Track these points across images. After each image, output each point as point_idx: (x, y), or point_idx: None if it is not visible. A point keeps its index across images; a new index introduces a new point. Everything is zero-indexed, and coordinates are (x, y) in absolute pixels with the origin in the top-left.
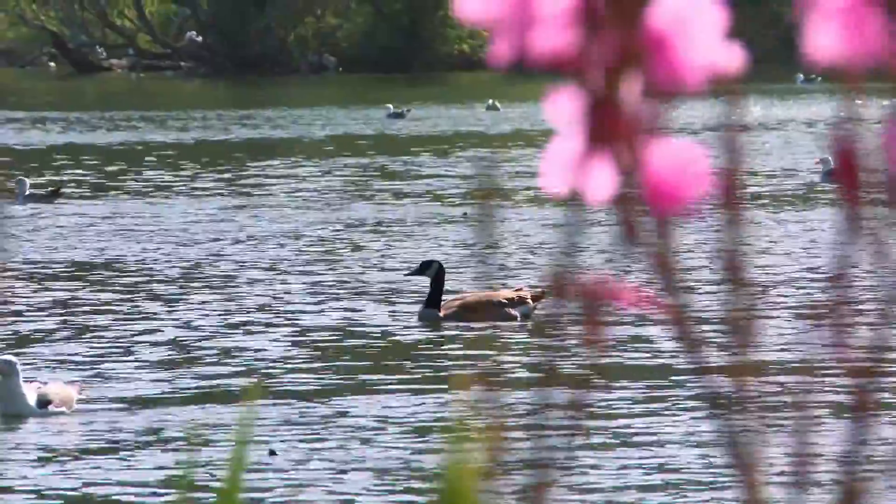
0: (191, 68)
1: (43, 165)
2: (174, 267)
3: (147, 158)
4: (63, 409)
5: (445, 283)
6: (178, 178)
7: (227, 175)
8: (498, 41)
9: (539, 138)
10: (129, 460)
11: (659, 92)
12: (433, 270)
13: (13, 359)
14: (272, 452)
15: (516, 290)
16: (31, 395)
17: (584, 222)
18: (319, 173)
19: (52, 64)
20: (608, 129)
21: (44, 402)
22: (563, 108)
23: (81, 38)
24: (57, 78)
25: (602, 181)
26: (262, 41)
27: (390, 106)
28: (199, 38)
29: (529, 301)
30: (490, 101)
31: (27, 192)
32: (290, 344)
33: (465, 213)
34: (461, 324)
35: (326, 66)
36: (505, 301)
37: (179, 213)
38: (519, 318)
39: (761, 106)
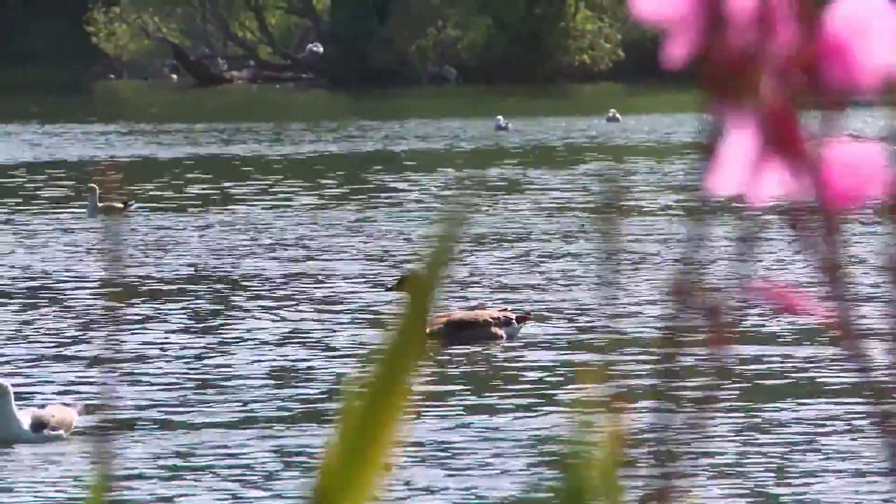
0: (311, 80)
1: (160, 178)
2: (279, 279)
3: (265, 170)
4: (60, 432)
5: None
6: (296, 190)
7: (345, 187)
8: (673, 42)
9: (660, 150)
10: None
11: (833, 96)
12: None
13: (5, 382)
14: None
15: (501, 310)
16: (25, 418)
17: (710, 233)
18: (432, 185)
19: (174, 76)
20: (781, 132)
21: (39, 426)
22: (733, 111)
23: (203, 49)
24: (178, 90)
25: (772, 184)
26: (383, 53)
27: (500, 118)
28: (320, 50)
29: (514, 322)
30: (611, 113)
31: (101, 205)
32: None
33: (583, 226)
34: (445, 342)
35: (447, 77)
36: (491, 320)
37: (294, 225)
38: (504, 338)
39: None
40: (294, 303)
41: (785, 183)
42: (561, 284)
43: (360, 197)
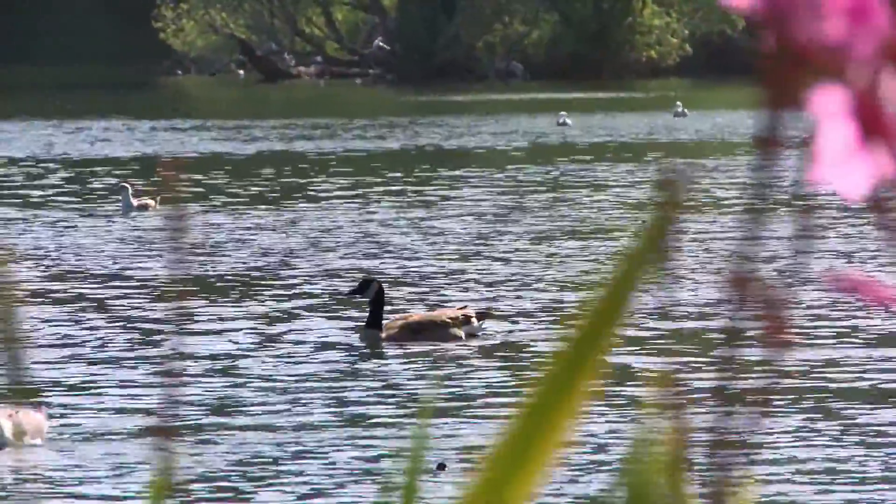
0: (378, 75)
1: (225, 174)
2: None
3: (330, 166)
4: (37, 440)
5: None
6: (361, 187)
7: (409, 184)
8: (764, 32)
9: (728, 146)
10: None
11: None
12: (372, 290)
13: None
14: (441, 466)
15: (460, 309)
16: (6, 425)
17: (818, 228)
18: (496, 182)
19: (241, 72)
20: (876, 123)
21: (19, 434)
22: (829, 103)
23: (270, 45)
24: (245, 86)
25: (868, 176)
26: (450, 48)
27: (562, 114)
28: (387, 46)
29: (474, 320)
30: (678, 108)
31: (135, 202)
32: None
33: (644, 222)
34: (404, 344)
35: (514, 72)
36: (449, 321)
37: (361, 222)
38: (464, 338)
39: None
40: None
41: (879, 173)
42: None
43: (423, 194)
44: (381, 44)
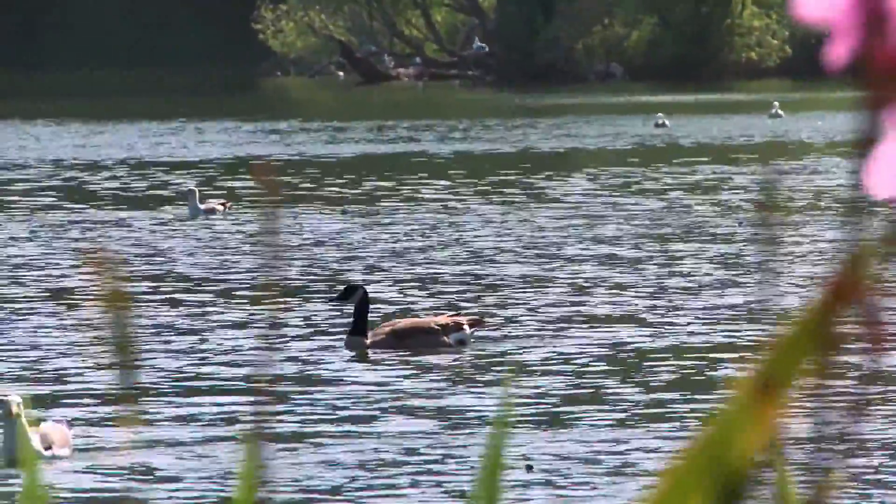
0: (477, 77)
1: (322, 176)
2: (447, 279)
3: (429, 168)
4: (65, 450)
5: (381, 301)
6: (458, 189)
7: (505, 185)
8: (836, 43)
9: (822, 148)
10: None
11: None
12: (357, 296)
13: (18, 399)
14: (529, 468)
15: (451, 316)
16: (35, 437)
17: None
18: (593, 183)
19: (341, 73)
20: None
21: (47, 446)
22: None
23: (369, 47)
24: (345, 87)
25: None
26: (549, 50)
27: (659, 115)
28: (486, 47)
29: (466, 328)
30: (773, 110)
31: (203, 206)
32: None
33: (740, 223)
34: (390, 352)
35: (614, 74)
36: (437, 328)
37: (456, 223)
38: (453, 346)
39: None
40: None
41: None
42: (716, 286)
43: (519, 195)
44: (480, 45)
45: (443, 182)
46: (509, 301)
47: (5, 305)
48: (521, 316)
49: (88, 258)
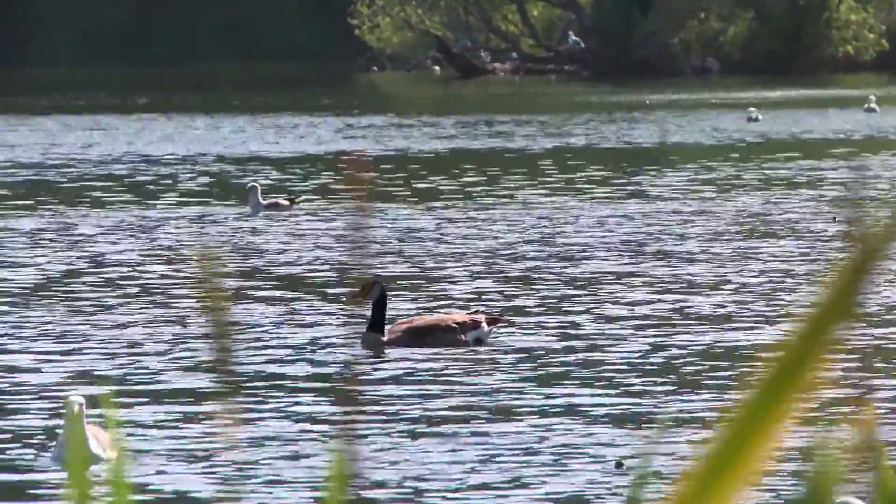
0: (573, 72)
1: (417, 170)
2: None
3: (526, 163)
4: (112, 454)
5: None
6: (555, 183)
7: (601, 180)
8: None
9: None
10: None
11: None
12: (375, 293)
13: (82, 400)
14: (619, 465)
15: (469, 314)
16: (93, 439)
17: None
18: (685, 179)
19: (437, 68)
20: None
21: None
22: None
23: (465, 42)
24: (441, 82)
25: None
26: (646, 45)
27: (752, 110)
28: (582, 42)
29: (484, 325)
30: (869, 105)
31: (265, 202)
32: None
33: (835, 218)
34: (407, 349)
35: (710, 69)
36: (455, 325)
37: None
38: (471, 344)
39: None
40: (580, 308)
41: None
42: (808, 282)
43: (615, 191)
44: (575, 40)
45: (537, 178)
46: (604, 298)
47: (92, 302)
48: (617, 313)
49: (189, 255)
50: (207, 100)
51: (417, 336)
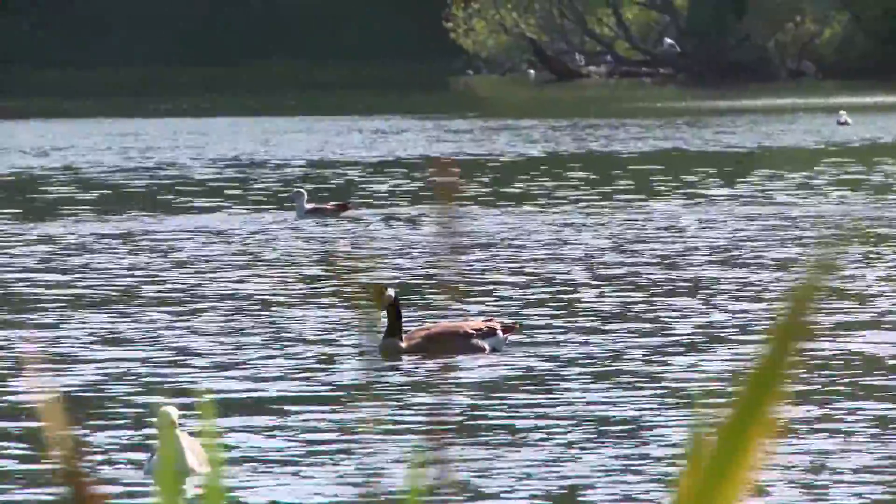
0: (668, 75)
1: (510, 173)
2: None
3: (616, 165)
4: (204, 467)
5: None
6: (655, 187)
7: (695, 184)
8: None
9: None
10: None
11: None
12: (388, 299)
13: (175, 410)
14: None
15: (485, 321)
16: (189, 451)
17: None
18: (776, 182)
19: (531, 71)
20: None
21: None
22: None
23: (560, 45)
24: (535, 85)
25: None
26: (741, 48)
27: (842, 113)
28: (677, 45)
29: (499, 333)
30: None
31: (308, 207)
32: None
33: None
34: (425, 355)
35: (805, 72)
36: (472, 332)
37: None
38: (487, 351)
39: None
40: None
41: None
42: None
43: (707, 194)
44: (670, 43)
45: (630, 180)
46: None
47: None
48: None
49: (337, 256)
50: (301, 101)
51: (434, 343)
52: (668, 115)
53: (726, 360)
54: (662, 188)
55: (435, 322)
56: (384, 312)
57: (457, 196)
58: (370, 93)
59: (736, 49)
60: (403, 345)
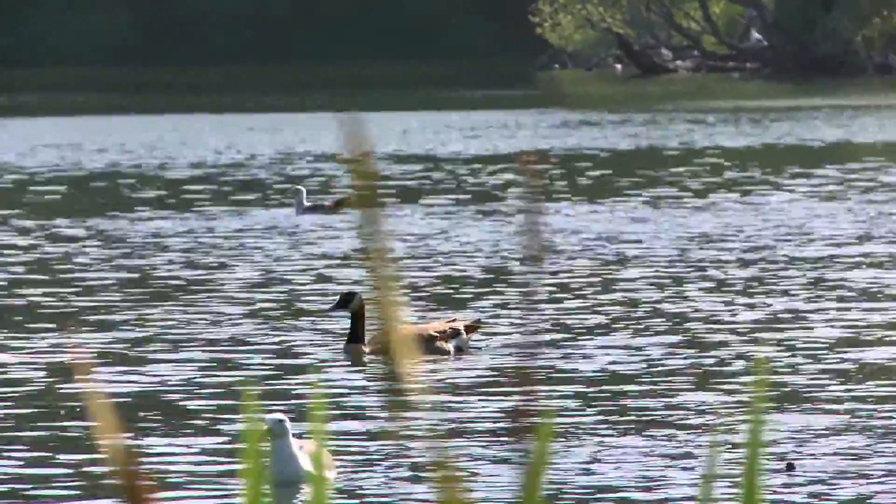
0: (755, 69)
1: (594, 167)
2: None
3: (698, 161)
4: (331, 474)
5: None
6: (739, 181)
7: (774, 179)
8: None
9: None
10: None
11: None
12: (355, 304)
13: (284, 417)
14: (790, 466)
15: (448, 322)
16: (302, 456)
17: None
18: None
19: (618, 66)
20: None
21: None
22: None
23: (647, 39)
24: (622, 80)
25: None
26: (828, 42)
27: None
28: (763, 40)
29: (463, 333)
30: None
31: (306, 204)
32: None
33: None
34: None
35: (892, 66)
36: (436, 334)
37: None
38: (452, 352)
39: None
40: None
41: None
42: None
43: (790, 189)
44: (757, 37)
45: (713, 176)
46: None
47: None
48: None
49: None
50: (383, 98)
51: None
52: (753, 110)
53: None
54: (743, 183)
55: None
56: (350, 317)
57: (541, 191)
58: (455, 89)
59: (822, 43)
60: (367, 349)
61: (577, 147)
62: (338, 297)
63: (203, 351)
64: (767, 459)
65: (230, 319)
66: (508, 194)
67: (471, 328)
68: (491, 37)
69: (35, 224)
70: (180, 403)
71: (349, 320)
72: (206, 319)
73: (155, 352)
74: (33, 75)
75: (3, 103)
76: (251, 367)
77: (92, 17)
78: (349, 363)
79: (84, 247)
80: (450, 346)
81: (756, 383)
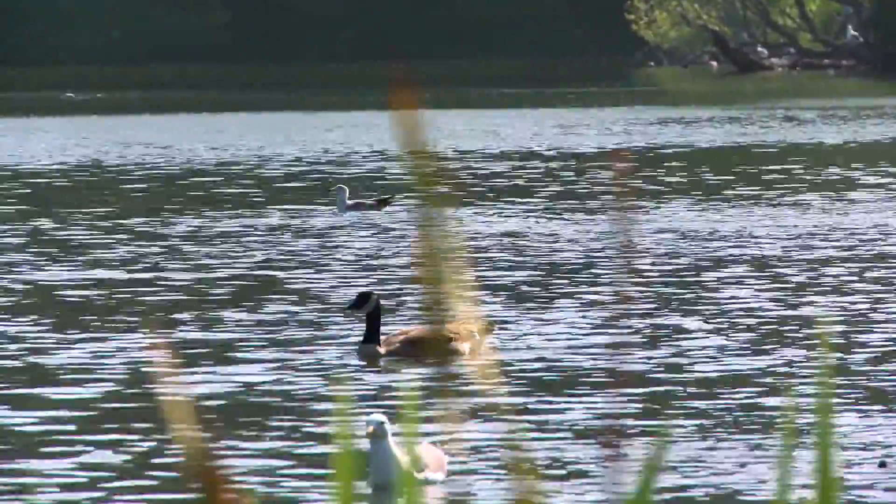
0: (850, 66)
1: (688, 165)
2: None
3: (790, 159)
4: (438, 475)
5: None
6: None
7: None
8: None
9: None
10: None
11: None
12: (371, 305)
13: (384, 418)
14: (882, 464)
15: (463, 324)
16: (404, 458)
17: None
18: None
19: (714, 63)
20: None
21: (419, 469)
22: None
23: (743, 36)
24: (717, 77)
25: None
26: None
27: None
28: (860, 37)
29: (476, 335)
30: None
31: (350, 202)
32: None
33: None
34: (403, 360)
35: None
36: (451, 336)
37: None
38: (467, 354)
39: None
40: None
41: None
42: None
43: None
44: (854, 35)
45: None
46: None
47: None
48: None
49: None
50: (476, 95)
51: (415, 346)
52: (850, 108)
53: None
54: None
55: (411, 326)
56: (364, 317)
57: (630, 188)
58: (550, 86)
59: None
60: (382, 350)
61: (672, 144)
62: (354, 298)
63: (272, 351)
64: (861, 458)
65: (296, 317)
66: (601, 192)
67: (485, 330)
68: (587, 34)
69: (117, 223)
70: (255, 404)
71: (364, 320)
72: (277, 319)
73: (228, 352)
74: (129, 73)
75: (104, 100)
76: (318, 368)
77: (188, 15)
78: (363, 364)
79: (179, 244)
80: (464, 348)
81: (819, 380)
